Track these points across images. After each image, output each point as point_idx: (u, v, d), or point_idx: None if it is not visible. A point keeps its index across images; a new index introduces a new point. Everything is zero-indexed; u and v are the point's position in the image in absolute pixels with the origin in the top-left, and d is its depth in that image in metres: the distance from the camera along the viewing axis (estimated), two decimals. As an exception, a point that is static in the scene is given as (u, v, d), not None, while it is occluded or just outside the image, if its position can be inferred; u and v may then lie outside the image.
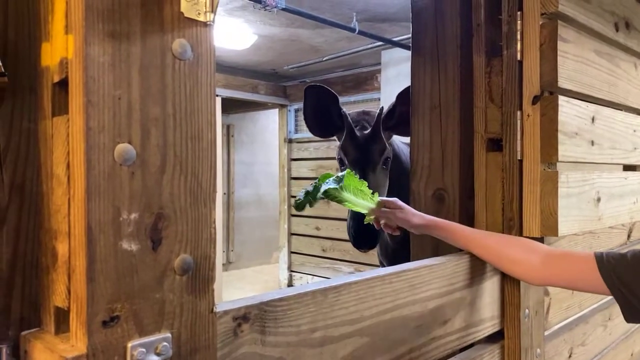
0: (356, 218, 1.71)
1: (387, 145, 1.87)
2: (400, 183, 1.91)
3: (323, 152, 5.47)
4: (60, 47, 0.57)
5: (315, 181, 1.28)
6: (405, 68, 4.39)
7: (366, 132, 1.88)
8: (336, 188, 1.22)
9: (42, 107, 0.62)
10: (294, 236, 5.88)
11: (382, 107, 1.91)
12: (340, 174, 1.27)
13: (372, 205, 1.27)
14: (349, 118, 1.88)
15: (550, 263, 1.02)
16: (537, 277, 1.05)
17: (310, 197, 1.25)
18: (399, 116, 1.90)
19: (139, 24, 0.55)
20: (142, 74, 0.55)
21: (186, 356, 0.59)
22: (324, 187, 1.23)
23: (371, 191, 1.30)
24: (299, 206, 1.29)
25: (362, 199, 1.27)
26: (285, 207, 5.87)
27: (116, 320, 0.54)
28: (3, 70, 0.59)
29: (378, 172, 1.85)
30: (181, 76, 0.59)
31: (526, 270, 1.05)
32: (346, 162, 1.89)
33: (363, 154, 1.85)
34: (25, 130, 0.63)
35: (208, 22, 0.60)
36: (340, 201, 1.25)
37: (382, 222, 1.28)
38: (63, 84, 0.57)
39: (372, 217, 1.29)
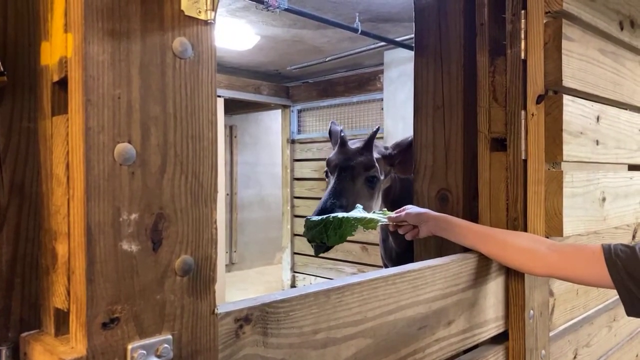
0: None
1: (376, 165, 1.80)
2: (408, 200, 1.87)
3: (326, 153, 5.45)
4: (59, 45, 0.57)
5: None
6: (408, 68, 4.38)
7: (355, 147, 1.85)
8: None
9: (42, 107, 0.62)
10: (296, 237, 5.87)
11: (378, 127, 1.90)
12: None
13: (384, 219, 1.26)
14: (344, 135, 1.86)
15: (556, 251, 1.01)
16: (541, 265, 1.03)
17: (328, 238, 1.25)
18: (399, 164, 1.91)
19: (138, 22, 0.54)
20: (142, 73, 0.55)
21: (187, 358, 0.58)
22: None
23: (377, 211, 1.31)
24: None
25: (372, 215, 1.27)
26: (288, 207, 5.86)
27: (116, 322, 0.53)
28: (2, 69, 0.58)
29: (358, 185, 1.78)
30: (182, 75, 0.58)
31: (531, 259, 1.04)
32: (329, 172, 1.84)
33: (345, 161, 1.79)
34: (24, 130, 0.62)
35: (209, 21, 0.60)
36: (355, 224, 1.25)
37: (400, 230, 1.26)
38: (62, 83, 0.57)
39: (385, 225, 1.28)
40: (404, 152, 1.90)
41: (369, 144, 1.80)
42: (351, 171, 1.77)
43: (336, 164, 1.80)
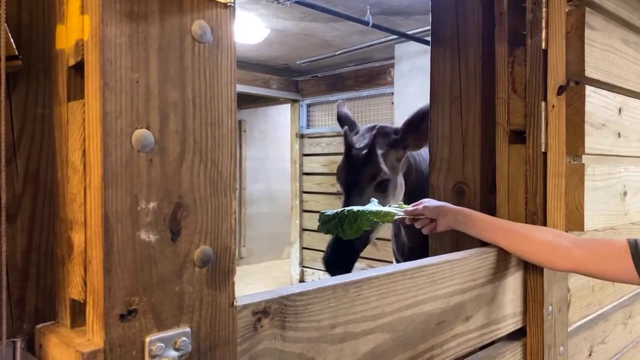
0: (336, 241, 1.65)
1: (382, 168, 1.78)
2: (422, 192, 1.84)
3: (335, 147, 5.43)
4: (75, 28, 0.55)
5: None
6: (419, 62, 4.35)
7: (362, 152, 1.82)
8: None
9: (57, 92, 0.60)
10: (305, 232, 5.86)
11: (379, 126, 1.87)
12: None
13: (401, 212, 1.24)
14: (349, 137, 1.84)
15: (580, 246, 0.98)
16: (565, 260, 1.00)
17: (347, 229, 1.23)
18: (413, 141, 1.87)
19: (157, 3, 0.52)
20: (160, 57, 0.53)
21: (206, 351, 0.57)
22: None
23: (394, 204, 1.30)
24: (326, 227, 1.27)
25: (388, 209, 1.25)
26: (297, 202, 5.85)
27: (134, 314, 0.51)
28: (17, 53, 0.56)
29: (366, 195, 1.76)
30: (201, 60, 0.56)
31: (554, 253, 1.01)
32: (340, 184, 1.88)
33: (351, 176, 1.79)
34: (39, 116, 0.60)
35: (228, 4, 0.58)
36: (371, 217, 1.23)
37: (417, 223, 1.23)
38: (78, 68, 0.55)
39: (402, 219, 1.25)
40: (416, 124, 1.85)
41: (372, 149, 1.78)
42: (359, 186, 1.77)
43: (343, 181, 1.82)
